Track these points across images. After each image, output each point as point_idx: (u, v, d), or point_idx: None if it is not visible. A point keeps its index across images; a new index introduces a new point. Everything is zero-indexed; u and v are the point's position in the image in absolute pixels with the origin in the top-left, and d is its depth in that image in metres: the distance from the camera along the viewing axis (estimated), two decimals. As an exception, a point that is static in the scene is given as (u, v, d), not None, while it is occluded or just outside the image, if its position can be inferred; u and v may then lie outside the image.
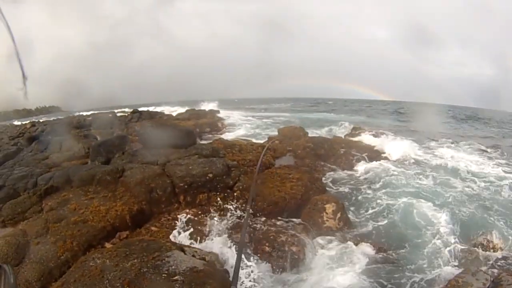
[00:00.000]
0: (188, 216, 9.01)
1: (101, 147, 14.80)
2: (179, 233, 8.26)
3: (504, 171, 14.51)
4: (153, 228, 8.43)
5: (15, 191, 10.49)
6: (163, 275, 5.48)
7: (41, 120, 31.16)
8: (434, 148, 19.61)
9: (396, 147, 17.83)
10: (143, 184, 9.57)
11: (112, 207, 8.70)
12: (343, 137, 21.12)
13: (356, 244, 8.75)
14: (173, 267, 5.69)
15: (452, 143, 21.09)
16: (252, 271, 7.26)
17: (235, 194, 10.09)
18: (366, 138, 20.05)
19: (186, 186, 9.75)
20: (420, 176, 13.59)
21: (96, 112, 38.77)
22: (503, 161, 16.49)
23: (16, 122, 35.03)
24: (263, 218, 9.61)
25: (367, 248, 8.68)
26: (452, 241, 8.70)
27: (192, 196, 9.71)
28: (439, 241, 8.79)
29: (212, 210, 9.54)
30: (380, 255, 8.46)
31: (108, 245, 7.53)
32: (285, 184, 11.36)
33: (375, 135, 20.64)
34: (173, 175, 10.12)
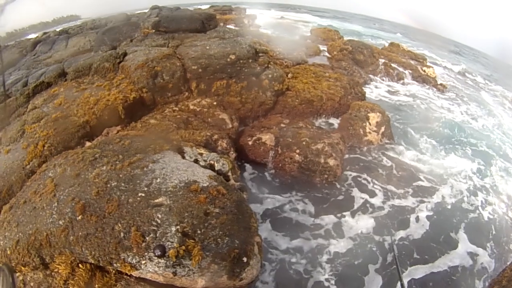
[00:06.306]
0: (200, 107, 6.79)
1: (105, 35, 12.06)
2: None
3: None
4: (152, 121, 6.17)
5: (8, 96, 8.40)
6: (139, 195, 3.21)
7: (57, 30, 27.22)
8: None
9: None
10: (145, 68, 7.00)
11: (103, 97, 6.39)
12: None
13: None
14: (157, 180, 3.40)
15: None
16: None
17: (263, 83, 7.52)
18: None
19: (200, 70, 7.20)
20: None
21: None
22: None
23: (31, 35, 31.12)
24: (295, 119, 7.40)
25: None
26: None
27: (208, 83, 7.26)
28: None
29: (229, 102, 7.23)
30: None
31: (88, 143, 5.47)
32: (321, 82, 8.74)
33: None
34: (184, 57, 7.50)
